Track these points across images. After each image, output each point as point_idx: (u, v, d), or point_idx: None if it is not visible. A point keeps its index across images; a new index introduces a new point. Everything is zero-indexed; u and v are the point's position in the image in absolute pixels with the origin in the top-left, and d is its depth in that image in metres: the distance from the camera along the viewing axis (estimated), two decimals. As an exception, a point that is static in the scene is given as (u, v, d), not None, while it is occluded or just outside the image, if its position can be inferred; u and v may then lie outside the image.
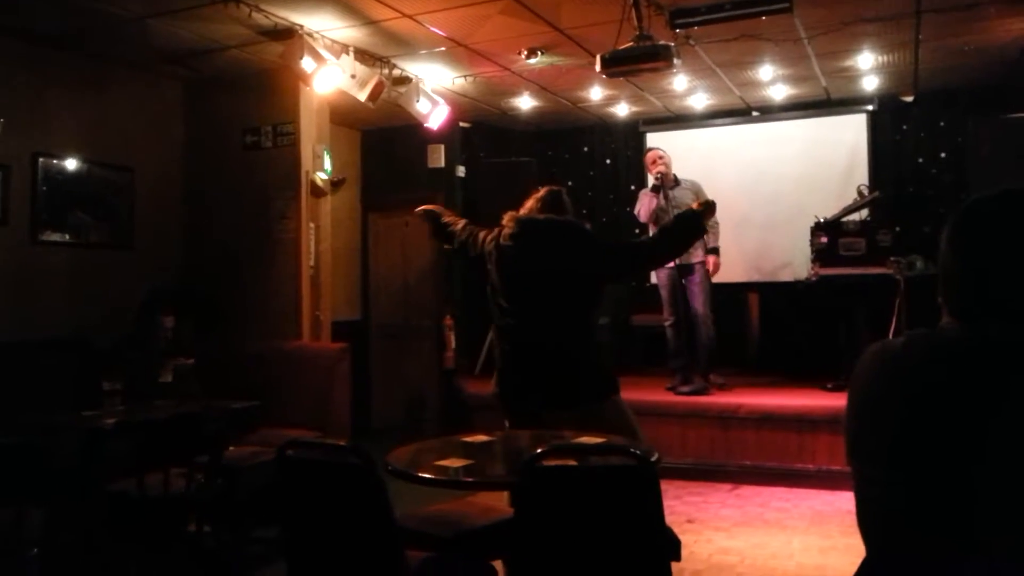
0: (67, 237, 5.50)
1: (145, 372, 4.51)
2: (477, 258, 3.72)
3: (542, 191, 3.68)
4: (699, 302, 6.28)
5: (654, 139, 8.10)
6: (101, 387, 3.96)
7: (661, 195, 6.19)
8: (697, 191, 6.31)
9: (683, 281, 6.24)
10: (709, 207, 3.56)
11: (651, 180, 6.46)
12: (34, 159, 5.29)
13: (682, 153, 7.57)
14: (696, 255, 6.15)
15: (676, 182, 6.36)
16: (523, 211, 3.63)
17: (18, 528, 3.58)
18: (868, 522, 1.26)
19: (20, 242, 5.20)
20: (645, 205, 6.36)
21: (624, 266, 3.96)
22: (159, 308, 5.09)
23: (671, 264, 5.98)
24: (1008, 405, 1.10)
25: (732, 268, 6.66)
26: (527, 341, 3.48)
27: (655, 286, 6.65)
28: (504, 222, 3.60)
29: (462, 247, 3.82)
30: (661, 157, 6.37)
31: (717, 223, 6.16)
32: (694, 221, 3.55)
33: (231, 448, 4.19)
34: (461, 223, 3.90)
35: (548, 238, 3.50)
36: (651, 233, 6.00)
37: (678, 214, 3.76)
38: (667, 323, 6.38)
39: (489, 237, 3.66)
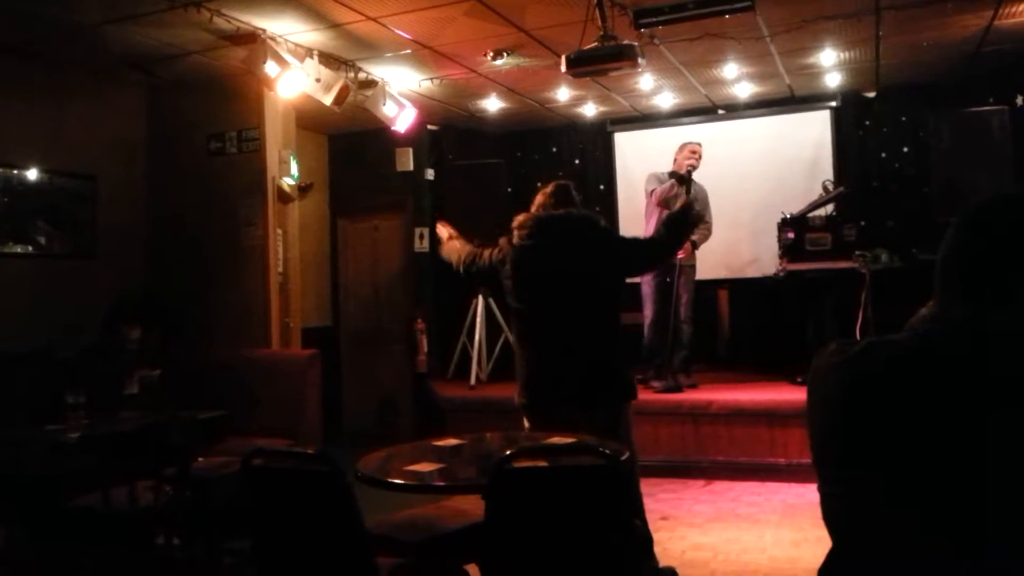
0: (29, 248, 5.40)
1: (110, 384, 4.43)
2: (489, 274, 3.70)
3: (549, 186, 3.65)
4: (683, 303, 6.34)
5: (622, 139, 8.16)
6: (65, 400, 3.88)
7: (683, 188, 5.97)
8: (703, 198, 6.32)
9: (668, 281, 6.24)
10: (685, 208, 3.88)
11: (667, 171, 6.45)
12: (-8, 169, 5.19)
13: (650, 152, 7.63)
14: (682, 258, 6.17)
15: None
16: (534, 208, 3.59)
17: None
18: (832, 520, 1.27)
19: (-21, 254, 5.10)
20: (664, 190, 6.30)
21: (644, 260, 4.08)
22: (124, 318, 5.01)
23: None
24: (966, 405, 1.10)
25: (701, 266, 6.70)
26: (555, 343, 3.45)
27: (635, 284, 6.61)
28: (516, 224, 3.57)
29: (469, 270, 3.81)
30: (701, 155, 6.29)
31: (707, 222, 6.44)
32: (682, 216, 3.83)
33: (200, 459, 4.13)
34: (468, 248, 3.88)
35: (568, 233, 3.48)
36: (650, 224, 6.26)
37: (668, 214, 4.22)
38: (647, 321, 6.40)
39: (495, 251, 3.65)
